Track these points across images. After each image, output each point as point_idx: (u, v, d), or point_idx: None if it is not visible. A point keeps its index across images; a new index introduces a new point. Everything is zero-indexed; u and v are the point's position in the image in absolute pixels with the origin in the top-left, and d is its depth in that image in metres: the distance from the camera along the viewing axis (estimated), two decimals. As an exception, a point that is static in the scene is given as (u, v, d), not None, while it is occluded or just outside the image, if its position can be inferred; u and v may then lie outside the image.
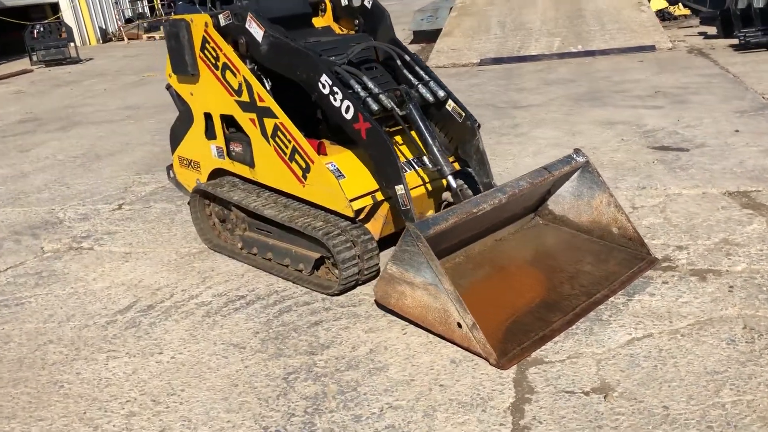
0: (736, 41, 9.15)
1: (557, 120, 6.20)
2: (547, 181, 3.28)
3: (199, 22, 3.61)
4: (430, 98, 3.45)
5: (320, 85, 3.24)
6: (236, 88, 3.54)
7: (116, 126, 8.09)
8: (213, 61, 3.62)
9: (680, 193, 4.14)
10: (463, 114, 3.48)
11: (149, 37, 22.08)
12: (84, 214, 4.89)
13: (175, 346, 2.96)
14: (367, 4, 3.85)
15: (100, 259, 4.04)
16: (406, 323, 2.94)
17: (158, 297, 3.46)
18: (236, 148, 3.77)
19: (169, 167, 4.44)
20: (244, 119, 3.56)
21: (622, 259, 3.29)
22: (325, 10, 4.07)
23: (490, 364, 2.60)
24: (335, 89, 3.19)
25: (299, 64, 3.30)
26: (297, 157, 3.35)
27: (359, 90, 3.28)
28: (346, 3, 3.95)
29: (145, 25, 23.44)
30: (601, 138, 5.50)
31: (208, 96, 3.75)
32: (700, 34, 10.45)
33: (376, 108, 3.24)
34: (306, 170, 3.33)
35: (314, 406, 2.46)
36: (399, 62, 3.54)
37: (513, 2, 12.42)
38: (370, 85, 3.32)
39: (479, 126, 3.44)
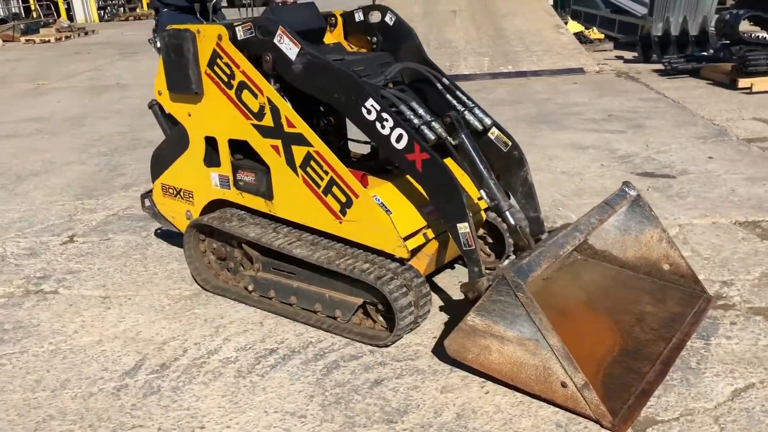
0: (656, 66, 9.53)
1: (525, 143, 6.06)
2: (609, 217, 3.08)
3: (210, 35, 3.14)
4: (478, 126, 3.18)
5: (364, 111, 2.88)
6: (256, 111, 3.10)
7: (29, 141, 7.21)
8: (225, 80, 3.16)
9: (692, 223, 4.09)
10: (510, 143, 3.23)
11: (27, 40, 20.43)
12: (30, 249, 4.20)
13: (217, 418, 2.49)
14: (389, 21, 3.53)
15: (73, 305, 3.43)
16: (483, 379, 2.63)
17: (168, 353, 2.94)
18: (246, 177, 3.31)
19: (146, 195, 3.89)
20: (264, 146, 3.13)
21: (679, 297, 3.14)
22: (335, 26, 3.69)
23: (603, 427, 2.34)
24: (384, 116, 2.84)
25: (339, 86, 2.92)
26: (335, 190, 2.96)
27: (411, 117, 2.95)
28: (361, 19, 3.59)
29: (22, 26, 21.67)
30: (580, 163, 5.43)
31: (215, 118, 3.27)
32: (618, 57, 10.84)
33: (433, 137, 2.93)
34: (346, 205, 2.94)
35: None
36: (440, 86, 3.24)
37: (432, 20, 12.38)
38: (421, 111, 3.00)
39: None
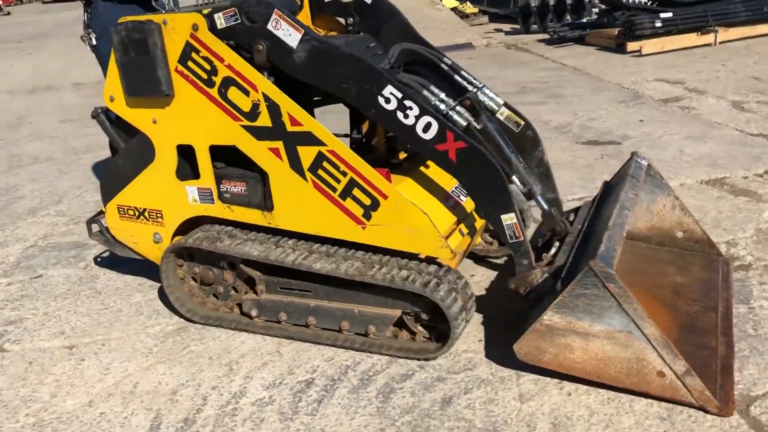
0: (540, 36, 9.75)
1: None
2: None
3: (181, 25, 2.67)
4: (494, 107, 2.95)
5: (382, 100, 2.55)
6: (247, 110, 2.68)
7: None
8: (204, 77, 2.70)
9: (663, 187, 4.10)
10: (522, 122, 3.02)
11: None
12: (-58, 301, 3.49)
13: (286, 475, 2.11)
14: (367, -1, 3.19)
15: (34, 362, 2.85)
16: (558, 379, 2.43)
17: (185, 405, 2.49)
18: (234, 187, 2.88)
19: (94, 220, 3.32)
20: (259, 150, 2.71)
21: (701, 264, 3.10)
22: (301, 7, 3.30)
23: (709, 413, 2.21)
24: (408, 103, 2.53)
25: (350, 74, 2.57)
26: (357, 192, 2.62)
27: (437, 103, 2.66)
28: (331, -2, 3.23)
29: None
30: (521, 137, 5.35)
31: (190, 123, 2.81)
32: (498, 30, 11.00)
33: (464, 123, 2.66)
34: (371, 208, 2.61)
35: None
36: (445, 67, 2.97)
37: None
38: (443, 95, 2.72)
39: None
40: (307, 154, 2.65)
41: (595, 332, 2.28)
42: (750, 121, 5.29)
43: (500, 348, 2.61)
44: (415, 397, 2.42)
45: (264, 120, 2.67)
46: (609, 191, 3.04)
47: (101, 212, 3.35)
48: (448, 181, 2.92)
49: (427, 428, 2.26)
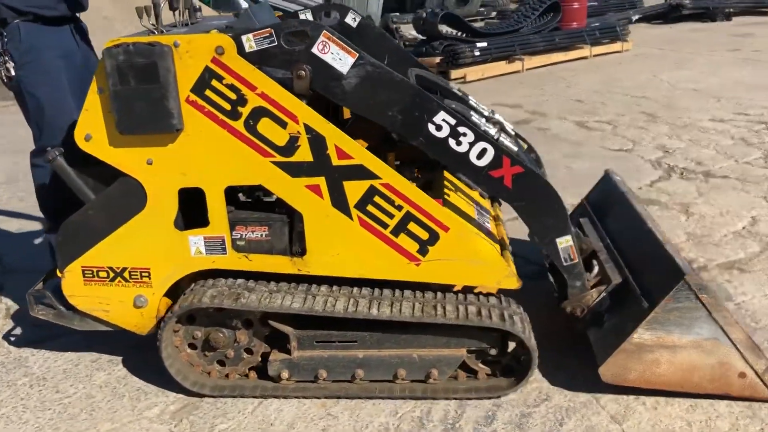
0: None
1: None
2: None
3: (200, 48, 2.27)
4: (509, 130, 2.91)
5: (432, 128, 2.40)
6: (282, 144, 2.35)
7: None
8: (227, 108, 2.32)
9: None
10: (526, 145, 3.04)
11: None
12: None
13: None
14: (352, 22, 3.01)
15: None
16: (635, 395, 2.46)
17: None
18: (252, 233, 2.51)
19: (39, 292, 2.68)
20: (293, 188, 2.40)
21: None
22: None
23: (783, 404, 2.39)
24: (461, 130, 2.40)
25: (399, 101, 2.37)
26: (412, 227, 2.42)
27: (487, 128, 2.56)
28: (307, 19, 2.97)
29: None
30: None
31: (203, 162, 2.39)
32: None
33: (515, 147, 2.59)
34: (428, 243, 2.44)
35: None
36: (459, 92, 2.88)
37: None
38: (485, 120, 2.63)
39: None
40: (355, 190, 2.40)
41: (683, 344, 2.34)
42: (603, 138, 5.88)
43: (559, 372, 2.59)
44: (516, 439, 2.29)
45: (303, 155, 2.36)
46: (605, 207, 3.15)
47: (47, 279, 2.72)
48: (466, 205, 2.83)
49: (553, 468, 2.15)
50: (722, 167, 4.95)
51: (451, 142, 2.41)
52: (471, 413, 2.42)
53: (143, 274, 2.55)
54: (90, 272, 2.57)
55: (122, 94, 2.28)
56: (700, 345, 2.34)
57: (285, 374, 2.54)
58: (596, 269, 2.70)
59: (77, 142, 2.41)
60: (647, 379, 2.40)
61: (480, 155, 2.43)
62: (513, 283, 2.49)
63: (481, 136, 2.42)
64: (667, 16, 13.56)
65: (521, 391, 2.52)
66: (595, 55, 9.89)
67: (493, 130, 2.56)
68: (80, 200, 2.56)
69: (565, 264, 2.55)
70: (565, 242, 2.52)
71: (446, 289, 2.58)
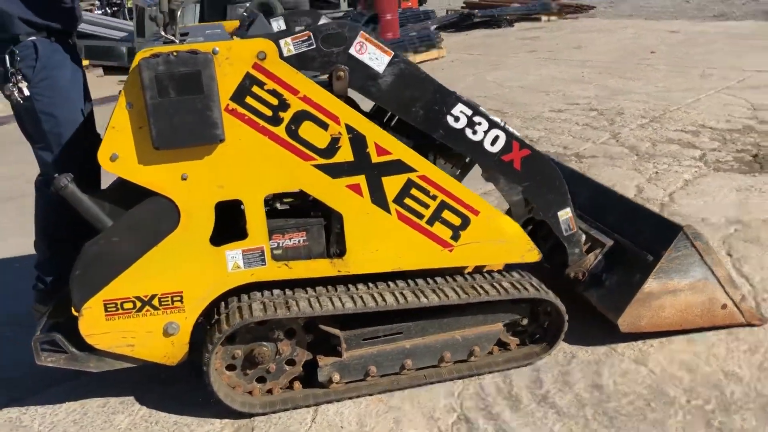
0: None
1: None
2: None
3: (242, 53, 2.22)
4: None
5: (450, 119, 2.56)
6: (323, 147, 2.37)
7: None
8: (268, 114, 2.29)
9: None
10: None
11: None
12: None
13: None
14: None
15: None
16: (642, 340, 2.80)
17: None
18: (290, 240, 2.49)
19: (48, 337, 2.41)
20: (334, 190, 2.43)
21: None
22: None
23: (755, 325, 2.85)
24: (477, 119, 2.59)
25: (422, 96, 2.50)
26: (446, 214, 2.56)
27: (493, 117, 2.74)
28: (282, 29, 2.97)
29: None
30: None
31: (242, 172, 2.33)
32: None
33: (517, 133, 2.80)
34: (461, 228, 2.59)
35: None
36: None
37: None
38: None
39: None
40: (393, 185, 2.48)
41: (682, 287, 2.73)
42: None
43: (571, 334, 2.83)
44: (569, 393, 2.51)
45: (344, 155, 2.40)
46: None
47: (54, 323, 2.45)
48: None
49: (615, 409, 2.40)
50: (586, 149, 5.62)
51: (468, 131, 2.59)
52: (518, 381, 2.61)
53: (175, 298, 2.41)
54: (113, 305, 2.37)
55: (161, 107, 2.15)
56: (694, 286, 2.74)
57: (336, 377, 2.53)
58: (583, 237, 3.01)
59: (101, 163, 2.23)
60: (655, 323, 2.75)
61: (493, 142, 2.63)
62: (535, 256, 2.72)
63: (493, 123, 2.62)
64: (460, 24, 14.75)
65: (549, 356, 2.75)
66: (418, 62, 10.57)
67: (497, 118, 2.77)
68: (93, 229, 2.35)
69: (565, 234, 2.82)
70: (565, 214, 2.80)
71: (459, 271, 2.74)
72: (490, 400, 2.50)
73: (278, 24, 2.93)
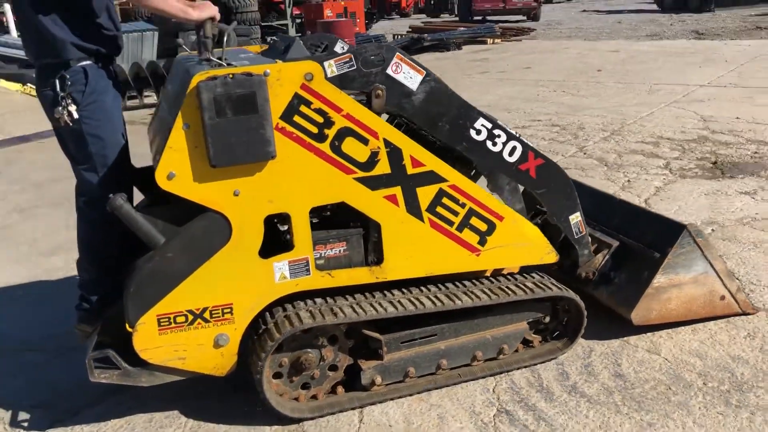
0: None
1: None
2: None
3: (290, 76, 2.35)
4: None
5: (473, 132, 2.75)
6: (363, 161, 2.52)
7: None
8: (314, 131, 2.43)
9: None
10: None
11: None
12: None
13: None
14: (339, 50, 3.20)
15: None
16: (651, 332, 3.02)
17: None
18: (332, 250, 2.62)
19: (102, 354, 2.47)
20: (373, 201, 2.57)
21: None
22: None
23: (748, 314, 3.12)
24: (497, 132, 2.79)
25: (448, 111, 2.69)
26: (474, 221, 2.73)
27: (507, 128, 2.94)
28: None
29: None
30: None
31: (290, 187, 2.45)
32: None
33: (531, 144, 3.00)
34: (487, 233, 2.77)
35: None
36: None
37: None
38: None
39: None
40: (426, 194, 2.64)
41: (686, 281, 2.97)
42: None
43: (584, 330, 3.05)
44: (595, 383, 2.70)
45: (382, 167, 2.55)
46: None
47: (104, 340, 2.51)
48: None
49: (640, 395, 2.60)
50: (557, 161, 5.90)
51: (489, 143, 2.78)
52: (546, 375, 2.78)
53: (225, 310, 2.50)
54: (166, 320, 2.44)
55: (219, 127, 2.27)
56: (697, 279, 2.98)
57: (378, 379, 2.66)
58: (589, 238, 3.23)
59: (158, 182, 2.32)
60: (663, 315, 2.97)
61: (511, 152, 2.82)
62: (553, 257, 2.92)
63: (511, 135, 2.82)
64: (410, 48, 15.10)
65: (569, 352, 2.94)
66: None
67: (512, 130, 2.97)
68: (142, 246, 2.43)
69: (576, 236, 3.04)
70: (575, 218, 3.01)
71: (478, 275, 2.91)
72: (524, 393, 2.67)
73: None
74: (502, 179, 2.93)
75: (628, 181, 5.19)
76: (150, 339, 2.44)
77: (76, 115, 2.44)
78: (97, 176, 2.56)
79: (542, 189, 2.92)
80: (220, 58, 2.42)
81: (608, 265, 3.12)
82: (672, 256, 2.90)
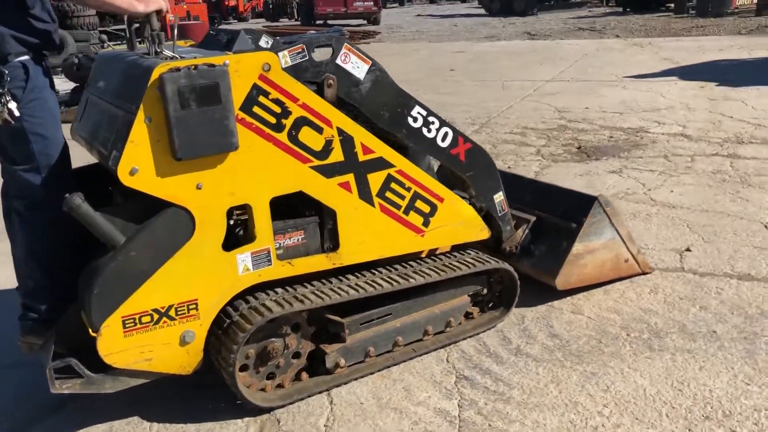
0: None
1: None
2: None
3: (249, 66, 2.38)
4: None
5: (410, 120, 2.92)
6: (319, 149, 2.59)
7: None
8: (273, 121, 2.47)
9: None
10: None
11: None
12: None
13: None
14: (264, 44, 3.24)
15: None
16: (571, 296, 3.34)
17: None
18: (289, 240, 2.67)
19: (63, 363, 2.35)
20: (328, 188, 2.65)
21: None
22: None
23: (647, 273, 3.53)
24: (431, 119, 2.97)
25: (388, 100, 2.83)
26: (418, 204, 2.89)
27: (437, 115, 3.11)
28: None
29: None
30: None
31: (251, 177, 2.47)
32: None
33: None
34: (430, 214, 2.93)
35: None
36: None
37: None
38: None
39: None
40: (376, 180, 2.76)
41: (597, 246, 3.31)
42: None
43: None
44: (536, 344, 2.96)
45: (336, 155, 2.64)
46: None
47: (62, 350, 2.39)
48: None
49: (577, 350, 2.89)
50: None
51: (424, 130, 2.95)
52: (490, 342, 3.00)
53: (190, 307, 2.47)
54: (132, 321, 2.37)
55: (184, 119, 2.25)
56: (606, 245, 3.33)
57: (342, 361, 2.73)
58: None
59: (121, 178, 2.25)
60: (581, 279, 3.30)
61: (444, 138, 3.02)
62: (485, 234, 3.15)
63: (443, 121, 3.01)
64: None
65: (505, 320, 3.17)
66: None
67: (441, 116, 3.15)
68: (97, 246, 2.35)
69: (500, 214, 3.28)
70: (499, 197, 3.26)
71: (415, 257, 3.07)
72: (476, 360, 2.86)
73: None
74: (422, 163, 3.10)
75: (509, 167, 5.58)
76: (115, 342, 2.36)
77: (17, 113, 2.30)
78: (40, 177, 2.42)
79: (471, 171, 3.13)
80: (165, 50, 2.39)
81: (528, 238, 3.39)
82: (587, 226, 3.22)
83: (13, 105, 2.29)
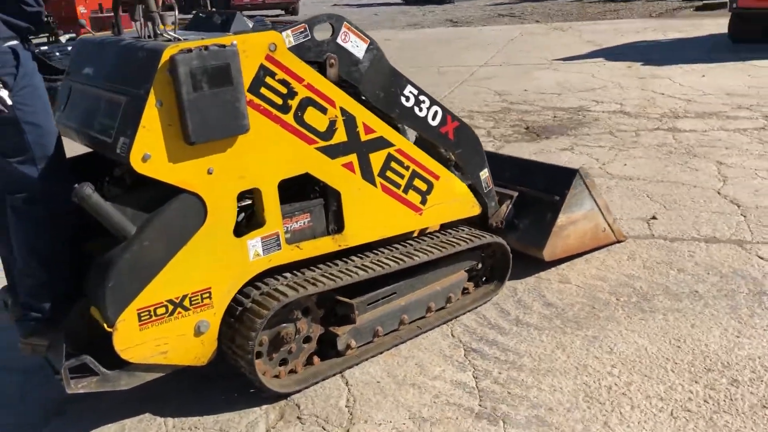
0: None
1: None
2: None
3: (256, 46, 2.33)
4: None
5: (403, 99, 2.94)
6: (323, 130, 2.57)
7: None
8: (279, 102, 2.43)
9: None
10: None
11: None
12: None
13: (598, 377, 2.58)
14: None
15: None
16: (555, 266, 3.45)
17: (453, 415, 2.42)
18: (296, 224, 2.64)
19: (78, 362, 2.25)
20: (333, 170, 2.64)
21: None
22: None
23: (621, 241, 3.68)
24: (422, 98, 3.00)
25: (382, 79, 2.83)
26: (417, 182, 2.92)
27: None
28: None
29: None
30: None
31: (260, 160, 2.43)
32: None
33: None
34: (427, 192, 2.97)
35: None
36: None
37: None
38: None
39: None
40: (377, 160, 2.76)
41: (579, 217, 3.43)
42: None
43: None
44: (534, 314, 3.04)
45: (340, 136, 2.62)
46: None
47: (74, 349, 2.28)
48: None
49: (574, 316, 2.99)
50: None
51: (416, 109, 2.98)
52: (489, 314, 3.06)
53: (204, 295, 2.41)
54: (147, 313, 2.30)
55: (196, 101, 2.19)
56: (586, 216, 3.45)
57: (352, 342, 2.73)
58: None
59: (133, 165, 2.17)
60: (565, 249, 3.41)
61: (434, 117, 3.05)
62: (477, 210, 3.20)
63: (433, 100, 3.04)
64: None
65: (499, 294, 3.24)
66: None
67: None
68: (114, 237, 2.26)
69: (485, 190, 3.35)
70: (484, 174, 3.32)
71: (408, 236, 3.10)
72: (480, 333, 2.92)
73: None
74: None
75: (465, 149, 5.66)
76: (131, 336, 2.27)
77: (9, 101, 2.16)
78: (37, 169, 2.29)
79: (459, 149, 3.18)
80: (166, 31, 2.32)
81: (512, 213, 3.47)
82: (569, 198, 3.33)
83: (4, 93, 2.15)
